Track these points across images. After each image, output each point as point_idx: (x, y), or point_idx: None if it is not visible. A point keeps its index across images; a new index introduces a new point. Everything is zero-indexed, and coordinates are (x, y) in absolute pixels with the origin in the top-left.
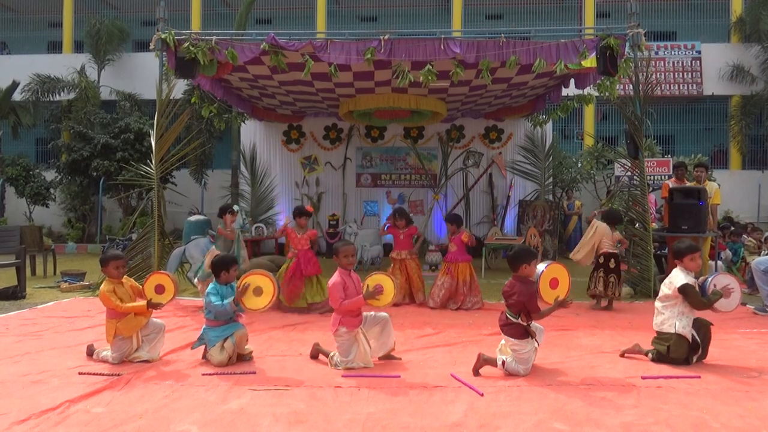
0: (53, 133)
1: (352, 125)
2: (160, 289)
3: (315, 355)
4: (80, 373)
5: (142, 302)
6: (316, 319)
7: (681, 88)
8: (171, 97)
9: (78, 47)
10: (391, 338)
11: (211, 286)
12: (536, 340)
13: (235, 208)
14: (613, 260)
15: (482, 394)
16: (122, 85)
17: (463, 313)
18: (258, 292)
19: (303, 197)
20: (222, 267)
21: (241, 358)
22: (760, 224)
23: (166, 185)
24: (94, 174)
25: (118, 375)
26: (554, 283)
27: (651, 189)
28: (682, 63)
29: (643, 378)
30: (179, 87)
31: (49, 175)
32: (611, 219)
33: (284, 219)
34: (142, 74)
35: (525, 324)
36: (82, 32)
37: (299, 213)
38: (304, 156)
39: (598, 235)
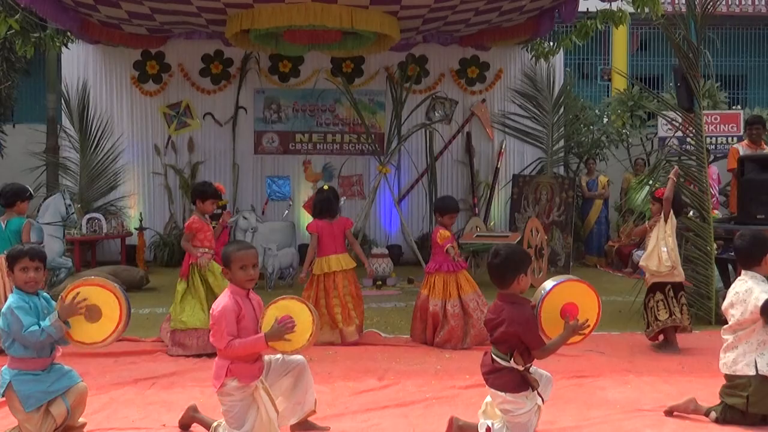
0: None
1: (247, 53)
2: None
3: (187, 424)
4: None
5: None
6: (190, 368)
7: (758, 1)
8: None
9: None
10: (309, 395)
11: (13, 296)
12: (539, 395)
13: None
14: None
15: None
16: None
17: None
18: (94, 314)
19: (166, 169)
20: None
21: None
22: None
23: None
24: None
25: None
26: (571, 311)
27: (713, 158)
28: None
29: None
30: None
31: None
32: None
33: (137, 209)
34: None
35: (521, 369)
36: None
37: (204, 193)
38: (169, 103)
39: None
